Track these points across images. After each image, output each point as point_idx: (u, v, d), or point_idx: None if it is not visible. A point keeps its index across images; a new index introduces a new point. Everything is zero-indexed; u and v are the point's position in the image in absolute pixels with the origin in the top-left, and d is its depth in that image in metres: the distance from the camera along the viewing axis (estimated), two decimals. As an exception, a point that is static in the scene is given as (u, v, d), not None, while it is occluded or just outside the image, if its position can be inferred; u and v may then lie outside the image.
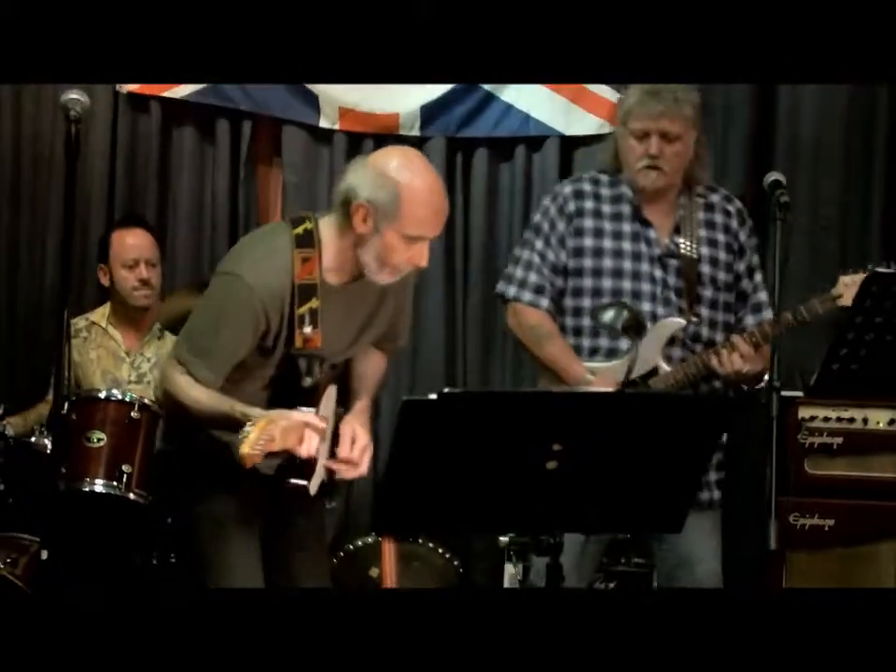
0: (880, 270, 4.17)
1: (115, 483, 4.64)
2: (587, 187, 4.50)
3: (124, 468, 4.63)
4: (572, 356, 4.41)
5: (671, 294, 4.44)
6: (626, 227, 4.46)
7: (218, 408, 3.63)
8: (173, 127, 5.84)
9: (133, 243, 5.23)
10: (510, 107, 5.66)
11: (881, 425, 4.97)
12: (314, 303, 3.65)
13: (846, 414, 4.98)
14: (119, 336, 5.28)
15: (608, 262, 4.44)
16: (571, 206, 4.46)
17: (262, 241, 3.80)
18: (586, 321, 4.40)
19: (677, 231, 4.47)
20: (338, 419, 3.82)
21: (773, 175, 4.19)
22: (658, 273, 4.44)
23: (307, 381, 3.66)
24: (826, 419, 4.99)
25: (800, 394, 4.88)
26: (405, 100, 5.62)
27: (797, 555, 4.92)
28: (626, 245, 4.45)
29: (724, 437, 4.55)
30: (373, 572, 5.32)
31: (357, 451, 3.71)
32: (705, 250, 4.48)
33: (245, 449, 3.41)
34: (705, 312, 4.46)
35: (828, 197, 5.64)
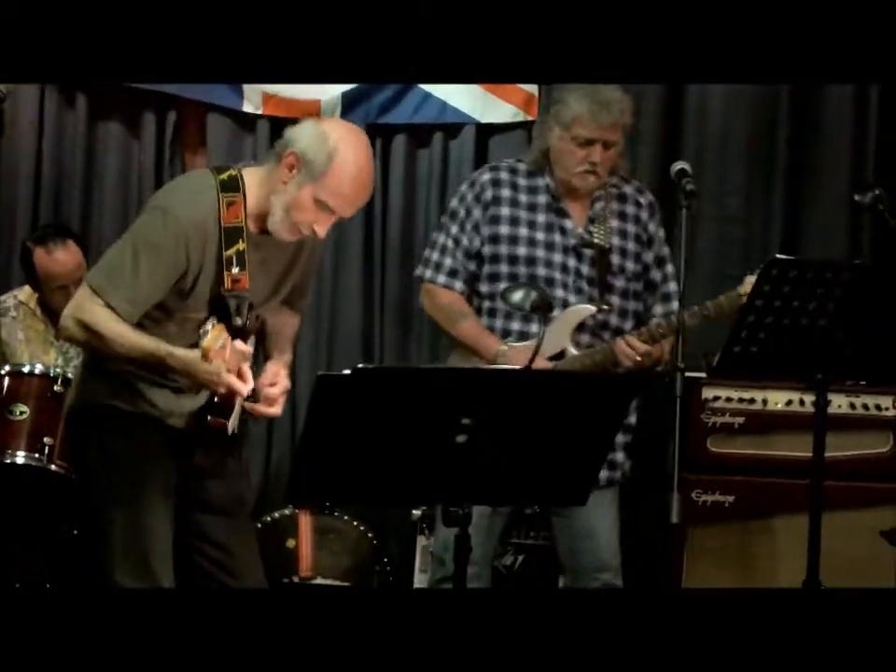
0: (779, 256, 4.20)
1: (37, 455, 4.63)
2: (505, 175, 4.50)
3: (46, 440, 4.62)
4: (486, 332, 4.44)
5: (583, 283, 4.46)
6: (541, 217, 4.47)
7: (143, 344, 3.56)
8: (98, 116, 5.77)
9: (61, 267, 5.05)
10: (428, 96, 5.64)
11: (780, 405, 5.02)
12: (240, 246, 3.62)
13: (746, 395, 5.03)
14: (47, 320, 5.19)
15: (522, 250, 4.45)
16: (489, 194, 4.47)
17: (189, 183, 3.80)
18: (500, 304, 4.40)
19: (591, 221, 4.48)
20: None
21: (679, 165, 4.24)
22: (572, 262, 4.46)
23: (237, 321, 3.62)
24: (728, 400, 5.04)
25: (703, 375, 4.92)
26: (327, 87, 5.60)
27: (698, 529, 4.96)
28: (541, 235, 4.46)
29: (633, 420, 4.60)
30: (290, 543, 5.31)
31: (277, 390, 3.68)
32: (616, 241, 4.50)
33: (207, 343, 3.41)
34: (615, 300, 4.49)
35: (733, 187, 5.67)
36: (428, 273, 4.51)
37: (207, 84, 5.65)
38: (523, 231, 4.46)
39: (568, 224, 4.47)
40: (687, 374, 4.11)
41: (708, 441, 5.02)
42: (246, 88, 5.64)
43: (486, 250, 4.46)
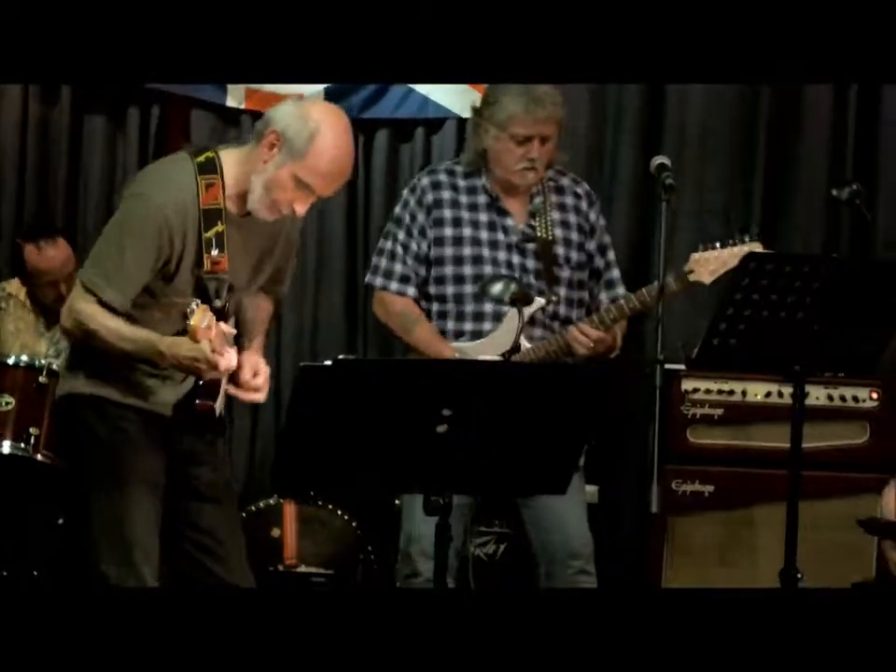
0: (757, 250, 4.23)
1: (22, 445, 4.64)
2: (443, 177, 4.51)
3: (32, 430, 4.63)
4: (439, 338, 4.43)
5: (530, 277, 4.46)
6: (483, 216, 4.48)
7: (137, 336, 3.58)
8: (83, 111, 5.77)
9: (50, 263, 5.11)
10: (410, 91, 5.66)
11: (759, 397, 5.05)
12: (219, 227, 3.62)
13: (726, 387, 5.06)
14: (37, 312, 5.21)
15: (467, 250, 4.46)
16: (430, 197, 4.47)
17: (166, 167, 3.76)
18: (450, 306, 4.44)
19: (532, 215, 4.50)
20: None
21: (659, 159, 4.24)
22: (516, 258, 4.47)
23: (217, 303, 3.61)
24: (708, 391, 5.07)
25: (683, 367, 4.94)
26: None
27: (679, 519, 4.98)
28: (484, 234, 4.47)
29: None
30: (275, 532, 5.33)
31: (260, 379, 3.69)
32: (558, 232, 4.51)
33: (195, 322, 3.40)
34: (562, 291, 4.49)
35: (713, 182, 5.70)
36: (379, 281, 4.48)
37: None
38: (467, 232, 4.46)
39: (509, 221, 4.48)
40: (667, 366, 4.12)
41: (688, 431, 5.05)
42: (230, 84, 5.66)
43: (432, 253, 4.46)
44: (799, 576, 4.09)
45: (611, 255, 4.62)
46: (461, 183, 4.50)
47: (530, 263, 4.47)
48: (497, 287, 4.01)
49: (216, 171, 3.65)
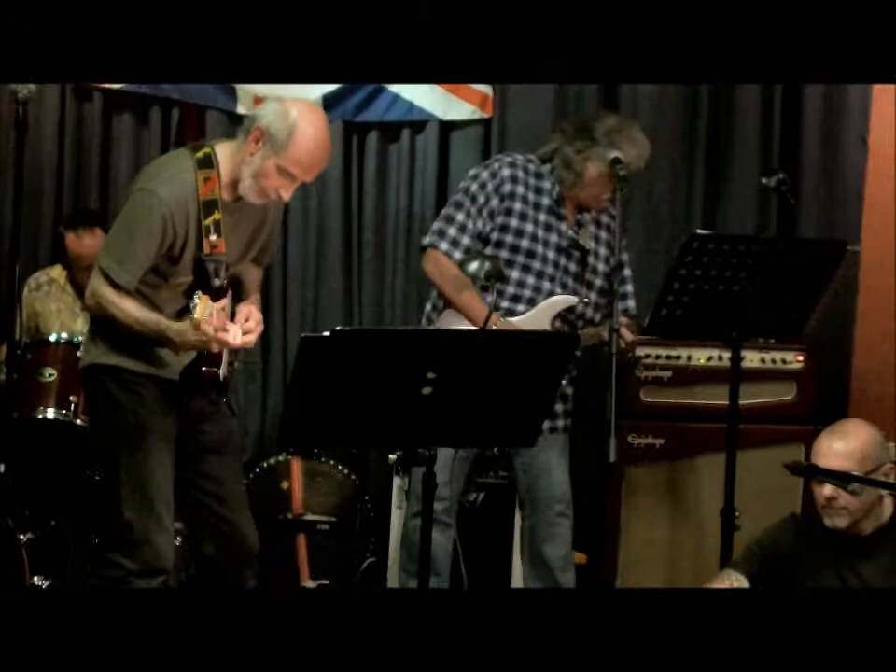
0: (699, 231, 4.22)
1: (64, 412, 4.62)
2: (521, 174, 4.44)
3: (72, 398, 4.62)
4: (485, 306, 4.34)
5: (569, 279, 4.47)
6: (543, 216, 4.44)
7: (147, 319, 3.60)
8: (112, 113, 5.73)
9: (88, 249, 5.04)
10: (397, 97, 5.62)
11: (702, 361, 5.04)
12: (216, 216, 3.62)
13: (673, 353, 5.05)
14: (75, 295, 5.19)
15: (525, 243, 4.42)
16: (507, 188, 4.41)
17: (169, 164, 3.75)
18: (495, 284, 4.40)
19: (578, 225, 4.48)
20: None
21: (613, 152, 4.23)
22: (562, 260, 4.46)
23: (216, 282, 3.63)
24: (657, 357, 5.05)
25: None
26: (310, 89, 5.57)
27: (634, 468, 4.98)
28: (541, 232, 4.44)
29: (573, 372, 4.61)
30: (284, 485, 5.31)
31: (252, 322, 3.68)
32: (592, 244, 4.51)
33: (198, 315, 3.42)
34: (593, 297, 4.51)
35: (660, 174, 5.67)
36: (444, 246, 4.39)
37: (204, 89, 5.63)
38: (529, 227, 4.42)
39: (563, 227, 4.45)
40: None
41: (641, 392, 5.03)
42: (239, 91, 5.61)
43: (495, 235, 4.40)
44: (737, 514, 4.12)
45: (627, 272, 4.59)
46: (531, 181, 4.44)
47: (572, 266, 4.47)
48: (473, 265, 3.99)
49: (212, 165, 3.67)
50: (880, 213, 5.61)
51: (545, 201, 4.45)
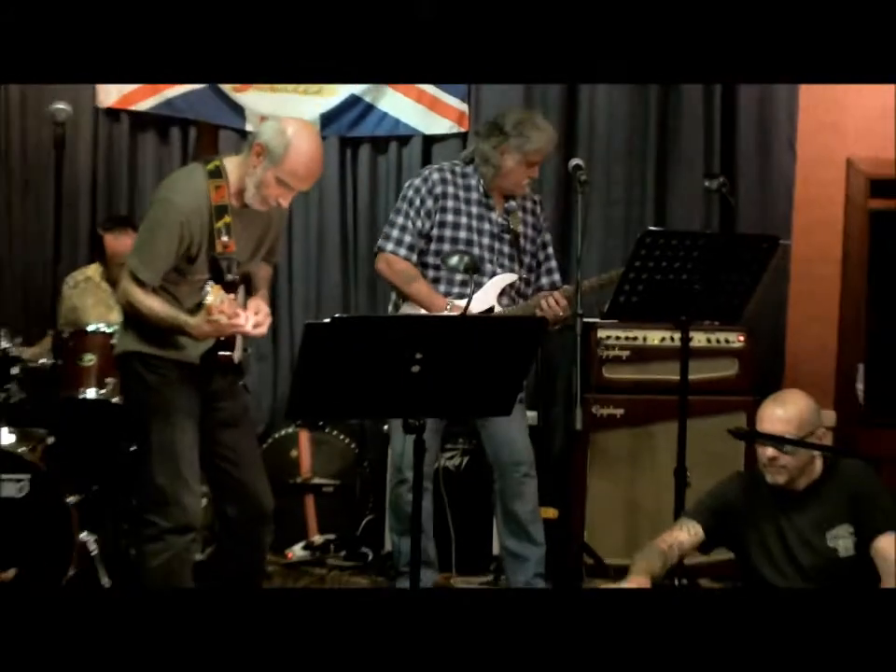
0: (652, 228, 4.24)
1: (102, 392, 4.63)
2: (449, 175, 4.48)
3: (108, 380, 4.61)
4: (434, 291, 4.44)
5: (505, 259, 4.48)
6: (474, 209, 4.47)
7: (168, 314, 3.63)
8: (138, 133, 5.72)
9: (124, 248, 4.92)
10: (385, 114, 5.60)
11: (656, 341, 5.09)
12: (227, 219, 3.63)
13: (631, 334, 5.09)
14: (109, 290, 5.21)
15: (462, 234, 4.45)
16: (439, 189, 4.44)
17: (183, 176, 3.75)
18: (443, 273, 4.42)
19: (507, 212, 4.52)
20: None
21: (574, 161, 4.21)
22: (496, 244, 4.47)
23: (229, 277, 3.65)
24: (617, 338, 5.09)
25: (598, 320, 4.96)
26: (308, 108, 5.53)
27: (598, 435, 5.02)
28: (475, 223, 4.46)
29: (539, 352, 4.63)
30: (293, 454, 5.34)
31: (261, 315, 3.68)
32: (521, 228, 4.53)
33: (211, 301, 3.43)
34: (524, 273, 4.52)
35: (616, 178, 5.67)
36: (390, 246, 4.44)
37: (218, 109, 5.63)
38: (463, 220, 4.44)
39: (493, 215, 4.47)
40: (585, 319, 4.12)
41: (603, 368, 5.07)
42: (247, 111, 5.58)
43: (435, 232, 4.43)
44: (688, 473, 4.15)
45: (550, 249, 4.64)
46: (460, 181, 4.48)
47: (506, 249, 4.48)
48: (453, 259, 3.99)
49: (221, 175, 3.66)
50: (807, 211, 5.67)
51: (474, 195, 4.47)
